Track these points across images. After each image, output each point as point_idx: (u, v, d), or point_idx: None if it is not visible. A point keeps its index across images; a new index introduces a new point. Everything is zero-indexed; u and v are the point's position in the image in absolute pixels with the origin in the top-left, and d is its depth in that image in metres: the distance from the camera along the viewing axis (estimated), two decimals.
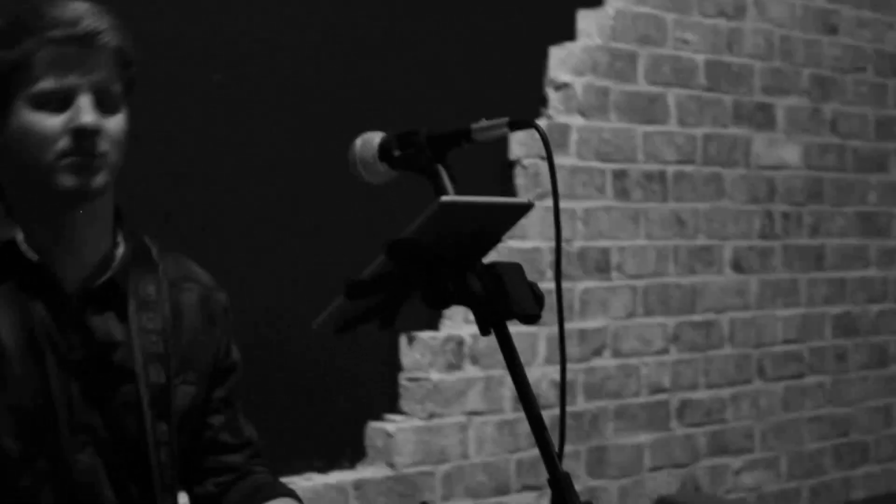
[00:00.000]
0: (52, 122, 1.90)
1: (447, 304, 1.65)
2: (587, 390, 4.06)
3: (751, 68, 4.57)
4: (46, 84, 1.89)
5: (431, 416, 3.68)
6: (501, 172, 3.89)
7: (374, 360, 3.61)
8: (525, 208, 1.69)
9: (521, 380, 1.65)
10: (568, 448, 4.00)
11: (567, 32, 4.08)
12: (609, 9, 4.15)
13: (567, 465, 3.97)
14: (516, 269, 1.66)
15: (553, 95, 4.01)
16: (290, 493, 2.15)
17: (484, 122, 1.76)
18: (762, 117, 4.61)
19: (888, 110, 5.09)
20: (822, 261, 4.82)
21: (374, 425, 3.61)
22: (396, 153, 1.80)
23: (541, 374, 3.90)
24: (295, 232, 3.45)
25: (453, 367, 3.73)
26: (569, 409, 3.99)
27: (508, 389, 3.82)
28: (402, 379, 3.66)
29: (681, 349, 4.34)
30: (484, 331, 1.65)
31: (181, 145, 3.23)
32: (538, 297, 1.65)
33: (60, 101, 1.90)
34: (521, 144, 3.88)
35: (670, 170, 4.30)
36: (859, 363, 4.97)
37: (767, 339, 4.63)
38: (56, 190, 1.91)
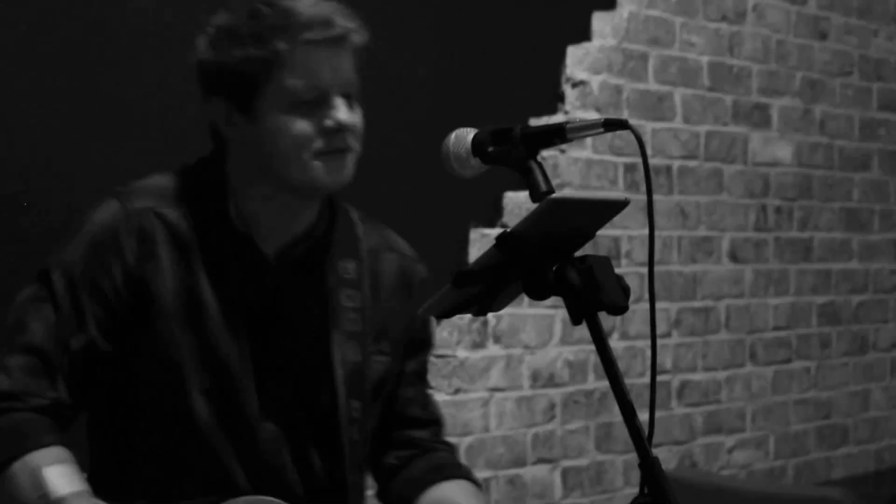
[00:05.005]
0: (305, 125, 1.92)
1: (547, 295, 1.71)
2: (597, 370, 4.30)
3: (749, 70, 4.84)
4: (300, 86, 1.90)
5: (457, 391, 3.91)
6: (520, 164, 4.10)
7: None
8: (622, 205, 1.77)
9: (613, 367, 1.69)
10: (578, 424, 4.25)
11: (583, 33, 4.32)
12: (623, 11, 4.40)
13: (577, 439, 4.23)
14: (605, 262, 1.72)
15: (570, 92, 4.25)
16: (470, 476, 2.18)
17: (578, 121, 1.83)
18: (758, 117, 4.88)
19: (871, 112, 5.38)
20: (809, 253, 5.10)
21: None
22: (490, 149, 1.86)
23: (556, 354, 4.14)
24: None
25: (478, 345, 3.96)
26: (580, 387, 4.24)
27: (527, 367, 4.06)
28: (431, 356, 3.88)
29: (682, 333, 4.60)
30: (576, 321, 1.69)
31: None
32: (625, 290, 1.72)
33: (313, 104, 1.92)
34: None
35: (675, 164, 4.57)
36: (841, 350, 5.26)
37: (759, 326, 4.90)
38: (311, 186, 1.95)
